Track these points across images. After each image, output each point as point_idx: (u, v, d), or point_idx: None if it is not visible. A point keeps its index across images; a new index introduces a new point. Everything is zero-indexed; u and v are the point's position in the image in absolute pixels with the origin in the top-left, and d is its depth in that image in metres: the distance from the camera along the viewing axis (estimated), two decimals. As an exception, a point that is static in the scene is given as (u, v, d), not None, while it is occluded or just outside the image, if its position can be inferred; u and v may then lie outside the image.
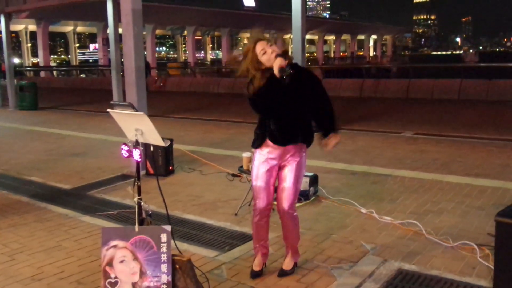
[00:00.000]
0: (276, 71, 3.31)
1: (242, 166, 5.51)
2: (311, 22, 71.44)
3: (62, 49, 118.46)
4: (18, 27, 51.76)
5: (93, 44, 78.48)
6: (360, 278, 3.67)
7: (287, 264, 3.75)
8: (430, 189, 5.93)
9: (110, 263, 3.17)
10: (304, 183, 5.38)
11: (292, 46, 9.50)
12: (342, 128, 10.87)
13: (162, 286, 3.14)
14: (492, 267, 3.46)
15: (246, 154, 5.44)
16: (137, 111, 3.25)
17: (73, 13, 42.65)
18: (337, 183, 6.32)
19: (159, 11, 45.93)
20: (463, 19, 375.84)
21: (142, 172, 6.70)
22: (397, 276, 3.69)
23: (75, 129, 11.94)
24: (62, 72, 44.22)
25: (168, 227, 3.21)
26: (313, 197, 5.64)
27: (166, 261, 3.15)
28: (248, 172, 5.23)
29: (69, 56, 74.42)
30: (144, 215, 3.31)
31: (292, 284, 3.61)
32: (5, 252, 4.32)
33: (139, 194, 3.28)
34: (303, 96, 3.43)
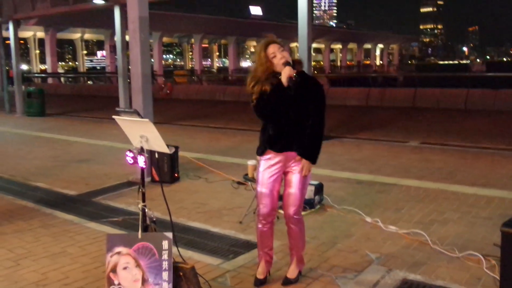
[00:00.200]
0: (284, 80, 3.33)
1: (247, 174, 5.51)
2: (317, 30, 71.67)
3: (70, 56, 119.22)
4: (26, 34, 52.20)
5: (101, 51, 78.93)
6: (364, 288, 3.65)
7: (292, 273, 3.73)
8: (435, 199, 5.90)
9: (114, 270, 3.17)
10: (309, 192, 5.37)
11: (298, 54, 9.54)
12: (346, 137, 10.92)
13: (163, 294, 3.11)
14: (498, 278, 3.44)
15: (251, 162, 5.44)
16: (142, 117, 3.27)
17: (81, 20, 43.01)
18: (342, 192, 6.30)
19: (166, 19, 46.23)
20: (470, 29, 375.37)
21: (148, 179, 6.71)
22: (402, 286, 3.67)
23: (82, 135, 11.99)
24: (70, 79, 44.51)
25: (169, 234, 3.19)
26: (318, 206, 5.62)
27: (167, 268, 3.13)
28: (253, 180, 5.22)
29: (76, 63, 74.87)
30: (148, 221, 3.31)
31: (296, 293, 3.60)
32: (10, 258, 4.33)
33: (143, 201, 3.29)
34: (305, 105, 3.44)
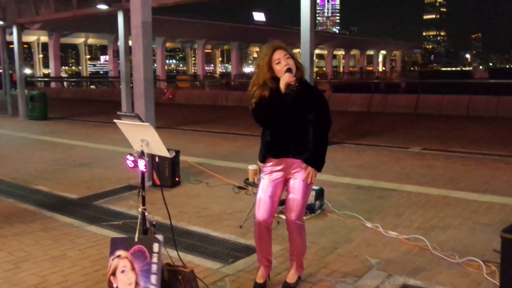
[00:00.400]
0: (282, 86, 3.34)
1: (247, 179, 5.52)
2: (320, 37, 71.70)
3: (73, 60, 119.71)
4: (30, 38, 52.42)
5: (104, 56, 79.27)
6: (364, 293, 3.64)
7: (291, 277, 3.72)
8: (436, 205, 5.90)
9: (114, 273, 3.17)
10: (310, 197, 5.36)
11: (300, 60, 9.57)
12: (347, 142, 10.92)
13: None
14: (498, 284, 3.43)
15: (252, 167, 5.45)
16: (143, 121, 3.28)
17: (84, 25, 43.11)
18: (343, 197, 6.30)
19: (170, 24, 46.28)
20: (473, 36, 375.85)
21: (149, 183, 6.72)
22: (402, 291, 3.66)
23: (84, 139, 12.01)
24: (73, 83, 44.65)
25: (160, 237, 3.15)
26: (319, 211, 5.62)
27: (156, 272, 3.06)
28: (254, 184, 5.24)
29: (80, 67, 75.19)
30: (148, 225, 3.31)
31: (295, 297, 3.59)
32: (10, 260, 4.34)
33: (143, 204, 3.29)
34: (303, 114, 3.43)
